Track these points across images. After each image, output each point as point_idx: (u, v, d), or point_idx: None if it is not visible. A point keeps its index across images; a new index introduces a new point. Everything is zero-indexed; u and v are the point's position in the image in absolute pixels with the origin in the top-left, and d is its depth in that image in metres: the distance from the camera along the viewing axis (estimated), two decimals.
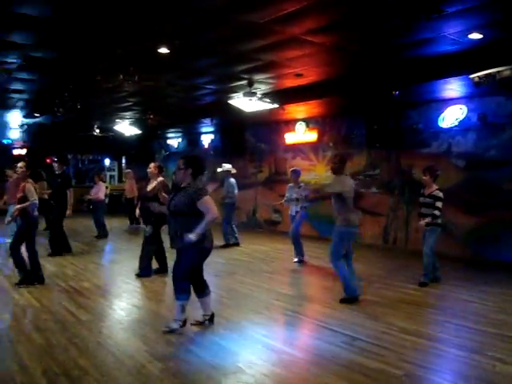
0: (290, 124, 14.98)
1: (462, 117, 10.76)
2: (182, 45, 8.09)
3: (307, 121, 14.47)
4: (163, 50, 8.53)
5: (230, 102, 12.07)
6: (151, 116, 14.92)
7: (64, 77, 10.82)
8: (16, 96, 13.14)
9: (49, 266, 9.25)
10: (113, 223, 16.44)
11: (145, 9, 6.67)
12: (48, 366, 4.41)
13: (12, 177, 10.15)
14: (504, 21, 6.80)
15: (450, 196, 10.64)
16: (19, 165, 7.68)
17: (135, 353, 4.85)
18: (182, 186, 5.44)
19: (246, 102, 11.39)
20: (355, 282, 7.07)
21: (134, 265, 8.68)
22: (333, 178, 7.34)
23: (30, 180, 7.61)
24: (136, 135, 19.06)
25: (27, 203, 7.32)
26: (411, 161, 11.70)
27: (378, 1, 6.29)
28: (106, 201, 18.49)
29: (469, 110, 10.63)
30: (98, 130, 18.47)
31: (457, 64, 8.41)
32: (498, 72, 7.74)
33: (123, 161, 24.55)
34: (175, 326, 5.45)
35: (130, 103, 14.19)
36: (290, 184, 10.23)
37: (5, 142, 21.75)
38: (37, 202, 7.45)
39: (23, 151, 23.10)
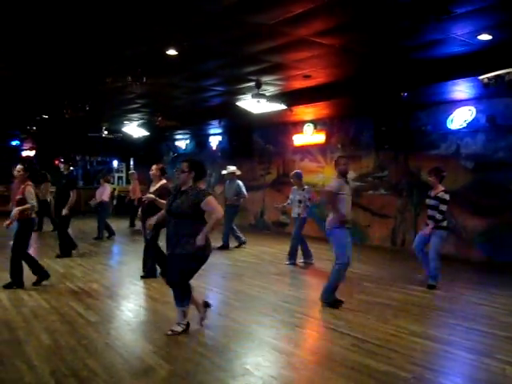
0: (298, 126, 14.97)
1: (470, 118, 10.71)
2: (190, 46, 8.11)
3: (315, 122, 14.45)
4: (171, 52, 8.55)
5: (237, 103, 12.08)
6: (160, 118, 14.94)
7: (73, 78, 10.87)
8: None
9: (57, 267, 9.29)
10: (120, 224, 16.50)
11: (153, 11, 6.69)
12: (57, 367, 4.42)
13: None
14: None
15: (459, 198, 10.63)
16: (17, 168, 7.56)
17: (143, 354, 4.85)
18: (183, 188, 5.42)
19: (253, 104, 11.39)
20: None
21: (141, 266, 8.69)
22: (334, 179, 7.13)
23: (30, 182, 7.57)
24: (144, 137, 19.13)
25: (25, 206, 7.28)
26: (419, 162, 11.66)
27: (386, 2, 6.27)
28: (114, 202, 18.62)
29: (477, 112, 10.58)
30: (106, 132, 18.53)
31: (466, 65, 8.38)
32: (508, 73, 7.70)
33: (131, 162, 24.62)
34: (179, 329, 5.44)
35: (138, 105, 14.23)
36: (294, 187, 10.19)
37: (13, 143, 21.90)
38: (35, 205, 7.41)
39: (32, 153, 23.25)
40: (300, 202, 9.85)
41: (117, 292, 7.71)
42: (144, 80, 10.23)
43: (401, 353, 4.99)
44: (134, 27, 7.43)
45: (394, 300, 7.24)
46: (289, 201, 10.25)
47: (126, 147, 22.40)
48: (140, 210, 8.86)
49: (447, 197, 7.85)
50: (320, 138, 14.41)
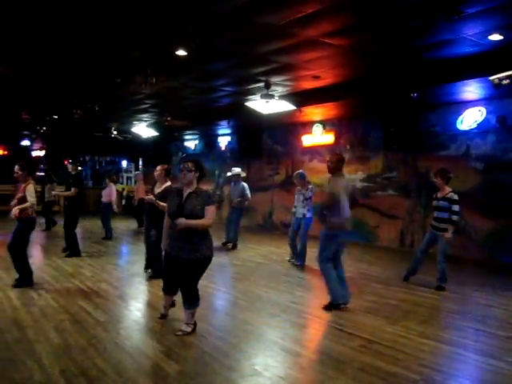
0: (307, 126, 14.96)
1: (480, 119, 10.67)
2: (199, 47, 8.12)
3: (324, 123, 14.45)
4: (181, 53, 8.57)
5: (247, 104, 12.09)
6: (169, 118, 14.97)
7: (83, 79, 10.92)
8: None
9: (66, 266, 9.33)
10: (129, 224, 16.57)
11: (163, 11, 6.72)
12: (66, 366, 4.44)
13: None
14: None
15: (469, 199, 10.58)
16: (15, 168, 7.48)
17: (152, 354, 4.86)
18: (190, 190, 5.35)
19: (263, 104, 11.40)
20: (343, 288, 6.69)
21: (145, 266, 8.74)
22: (329, 178, 6.96)
23: (32, 181, 7.55)
24: (153, 137, 19.19)
25: (25, 204, 7.25)
26: (428, 163, 11.61)
27: (396, 2, 6.25)
28: (123, 202, 18.67)
29: (487, 112, 10.54)
30: (115, 132, 18.60)
31: (476, 65, 8.34)
32: None
33: (140, 162, 24.69)
34: (188, 329, 5.44)
35: (148, 105, 14.29)
36: (298, 187, 10.18)
37: (24, 143, 22.03)
38: (35, 203, 7.38)
39: (42, 153, 23.39)
40: (304, 202, 9.84)
41: (126, 292, 7.73)
42: (153, 80, 10.26)
43: (409, 354, 4.97)
44: (143, 28, 7.47)
45: (402, 301, 7.22)
46: (294, 204, 10.24)
47: (134, 147, 22.48)
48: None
49: (457, 197, 7.79)
50: (329, 138, 14.40)
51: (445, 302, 7.26)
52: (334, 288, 6.58)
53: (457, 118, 11.14)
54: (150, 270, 8.51)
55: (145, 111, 15.42)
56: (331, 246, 6.60)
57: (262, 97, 11.12)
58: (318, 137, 14.71)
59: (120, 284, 8.16)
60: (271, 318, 6.23)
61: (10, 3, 6.56)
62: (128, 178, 24.45)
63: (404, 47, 8.19)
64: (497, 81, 7.94)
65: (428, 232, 8.31)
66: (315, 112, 13.16)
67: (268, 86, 10.86)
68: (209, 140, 20.09)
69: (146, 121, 17.47)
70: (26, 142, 22.07)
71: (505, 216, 10.24)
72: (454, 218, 7.70)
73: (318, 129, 14.66)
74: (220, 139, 19.35)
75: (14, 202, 7.41)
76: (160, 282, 8.04)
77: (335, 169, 6.75)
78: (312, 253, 9.83)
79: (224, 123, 16.07)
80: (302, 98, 11.90)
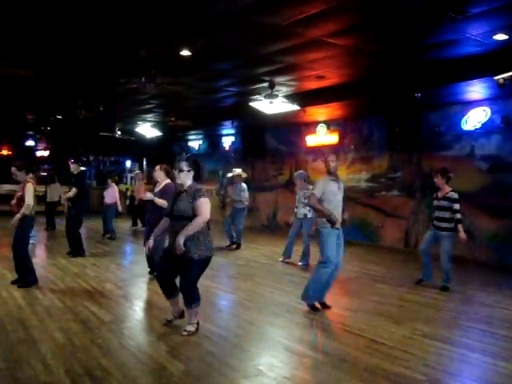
0: (311, 126, 14.95)
1: (485, 119, 10.63)
2: (203, 47, 8.12)
3: (328, 123, 14.43)
4: (185, 53, 8.57)
5: (251, 104, 12.09)
6: (173, 118, 14.98)
7: (87, 79, 10.94)
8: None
9: (70, 266, 9.34)
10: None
11: (167, 12, 6.72)
12: (71, 366, 4.44)
13: None
14: None
15: (473, 199, 10.57)
16: (12, 170, 7.46)
17: (156, 354, 4.86)
18: (183, 189, 5.34)
19: (267, 104, 11.39)
20: (327, 288, 6.62)
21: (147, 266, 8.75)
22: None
23: (32, 180, 7.55)
24: (157, 137, 19.20)
25: (24, 209, 7.21)
26: (433, 164, 11.56)
27: (401, 3, 6.24)
28: (127, 202, 18.69)
29: (492, 112, 10.50)
30: (119, 132, 18.62)
31: (481, 65, 8.32)
32: None
33: (144, 163, 24.73)
34: (192, 329, 5.42)
35: (152, 105, 14.30)
36: (299, 187, 10.18)
37: (28, 143, 22.08)
38: (31, 204, 7.32)
39: (46, 153, 23.45)
40: (304, 202, 9.83)
41: (130, 292, 7.74)
42: (158, 81, 10.27)
43: (415, 355, 4.96)
44: (148, 28, 7.47)
45: (407, 301, 7.21)
46: (295, 209, 10.24)
47: (139, 147, 22.50)
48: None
49: (457, 196, 7.75)
50: (333, 138, 14.39)
51: (450, 303, 7.24)
52: (317, 290, 6.50)
53: (461, 118, 11.11)
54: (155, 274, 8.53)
55: (149, 111, 15.43)
56: (330, 243, 6.40)
57: (266, 97, 11.11)
58: (322, 137, 14.70)
59: (124, 284, 8.17)
60: (275, 318, 6.23)
61: (17, 4, 6.57)
62: (132, 178, 24.50)
63: (408, 47, 8.18)
64: (502, 81, 7.92)
65: (429, 232, 8.20)
66: (319, 112, 13.15)
67: (272, 86, 10.85)
68: (213, 140, 20.09)
69: (150, 121, 17.48)
70: (30, 143, 22.12)
71: (510, 216, 10.20)
72: (458, 216, 7.68)
73: (322, 129, 14.64)
74: (224, 139, 19.36)
75: (14, 201, 7.43)
76: None
77: (334, 168, 6.62)
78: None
79: (228, 123, 16.07)
80: (306, 98, 11.89)
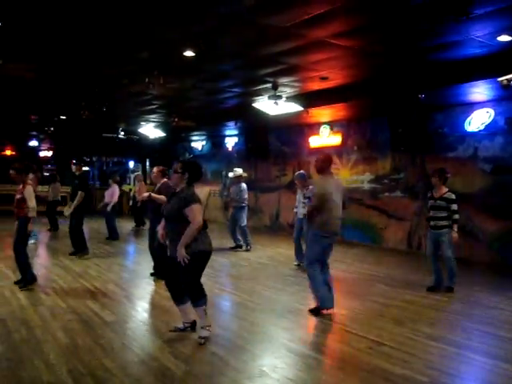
0: (314, 127, 14.94)
1: (488, 120, 10.62)
2: (207, 48, 8.11)
3: (331, 124, 14.42)
4: (189, 54, 8.58)
5: (254, 105, 12.09)
6: (176, 119, 14.99)
7: (90, 80, 10.96)
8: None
9: (73, 266, 9.36)
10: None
11: (171, 12, 6.72)
12: (74, 366, 4.45)
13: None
14: None
15: (477, 200, 10.57)
16: (11, 173, 7.44)
17: (159, 354, 4.86)
18: (176, 191, 5.28)
19: (270, 105, 11.39)
20: (329, 293, 6.48)
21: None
22: (317, 178, 6.78)
23: (31, 182, 7.57)
24: (160, 138, 19.21)
25: (31, 214, 7.23)
26: (436, 165, 11.48)
27: (405, 4, 6.23)
28: (130, 203, 18.71)
29: (496, 114, 10.49)
30: (122, 133, 18.64)
31: (485, 67, 8.31)
32: None
33: (147, 163, 24.76)
34: (207, 333, 5.25)
35: (155, 106, 14.31)
36: (299, 187, 10.18)
37: (31, 144, 22.10)
38: (34, 207, 7.34)
39: (49, 153, 23.48)
40: (304, 202, 9.82)
41: (133, 292, 7.75)
42: (161, 81, 10.28)
43: (417, 356, 4.95)
44: (151, 29, 7.47)
45: (410, 303, 7.20)
46: (295, 209, 10.23)
47: (142, 148, 22.52)
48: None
49: (454, 196, 7.72)
50: (336, 139, 14.38)
51: (452, 304, 7.23)
52: (321, 291, 6.41)
53: (465, 120, 11.09)
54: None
55: (152, 112, 15.44)
56: (316, 248, 6.42)
57: (269, 98, 11.11)
58: (325, 138, 14.69)
59: (127, 284, 8.18)
60: (278, 319, 6.23)
61: (20, 5, 6.58)
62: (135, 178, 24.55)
63: (412, 48, 8.16)
64: (505, 82, 7.91)
65: (428, 235, 8.12)
66: (323, 113, 13.14)
67: (275, 87, 10.85)
68: (216, 141, 20.10)
69: (153, 121, 17.50)
70: (33, 143, 22.13)
71: None
72: (456, 216, 7.65)
73: (325, 130, 14.64)
74: (227, 140, 19.37)
75: (15, 203, 7.44)
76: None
77: (322, 168, 6.54)
78: None
79: (231, 124, 16.07)
80: (309, 99, 11.89)
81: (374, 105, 11.91)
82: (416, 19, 6.77)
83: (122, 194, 19.47)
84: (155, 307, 6.85)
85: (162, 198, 7.70)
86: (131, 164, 25.63)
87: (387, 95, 10.72)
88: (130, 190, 20.01)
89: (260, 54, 8.66)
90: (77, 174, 10.74)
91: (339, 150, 14.30)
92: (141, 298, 7.47)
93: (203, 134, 20.09)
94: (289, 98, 11.58)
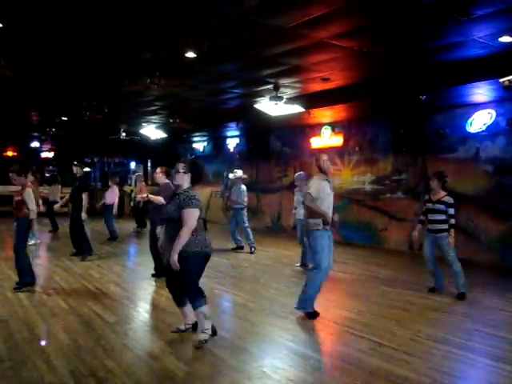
0: (316, 128, 14.93)
1: (490, 121, 10.61)
2: (208, 49, 8.12)
3: (333, 125, 14.42)
4: (190, 55, 8.58)
5: (255, 106, 12.09)
6: (177, 120, 15.00)
7: (92, 81, 10.97)
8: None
9: (75, 267, 9.37)
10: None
11: (172, 13, 6.73)
12: (75, 367, 4.45)
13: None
14: None
15: (478, 202, 10.57)
16: (11, 176, 7.41)
17: (161, 355, 4.86)
18: (178, 191, 5.25)
19: (271, 106, 11.39)
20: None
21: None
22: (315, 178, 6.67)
23: (30, 183, 7.56)
24: (162, 139, 19.21)
25: (32, 216, 7.25)
26: (438, 166, 11.51)
27: (406, 5, 6.24)
28: (132, 203, 18.71)
29: (497, 115, 10.48)
30: (124, 134, 18.65)
31: (486, 68, 8.30)
32: None
33: (149, 164, 24.77)
34: (206, 336, 5.22)
35: (157, 107, 14.31)
36: (297, 188, 10.17)
37: (33, 145, 22.12)
38: (35, 210, 7.35)
39: (51, 154, 23.50)
40: (304, 203, 9.78)
41: (134, 293, 7.76)
42: (162, 82, 10.29)
43: (419, 357, 4.95)
44: (152, 30, 7.48)
45: (411, 304, 7.19)
46: (294, 205, 10.21)
47: (143, 149, 22.54)
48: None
49: (453, 200, 7.70)
50: (338, 140, 14.37)
51: (454, 305, 7.21)
52: (314, 297, 6.40)
53: (466, 121, 11.09)
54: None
55: (154, 113, 15.45)
56: (326, 249, 6.33)
57: (270, 99, 11.11)
58: (326, 139, 14.68)
59: (128, 285, 8.19)
60: (279, 319, 6.23)
61: (21, 5, 6.59)
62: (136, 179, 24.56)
63: (414, 49, 8.16)
64: (507, 83, 7.90)
65: (426, 237, 8.05)
66: (324, 114, 13.14)
67: (277, 88, 10.86)
68: (217, 142, 20.10)
69: (154, 122, 17.51)
70: (35, 144, 22.17)
71: None
72: (452, 221, 7.61)
73: (326, 131, 14.63)
74: (229, 141, 19.37)
75: (14, 205, 7.44)
76: None
77: (322, 168, 6.56)
78: None
79: (233, 125, 16.08)
80: (310, 100, 11.89)
81: (376, 106, 11.91)
82: (417, 20, 6.77)
83: (123, 194, 19.51)
84: (156, 308, 6.85)
85: (160, 199, 7.76)
86: (133, 165, 25.65)
87: (388, 96, 10.72)
88: (132, 190, 20.02)
89: (261, 55, 8.67)
90: (78, 175, 10.74)
91: (341, 151, 14.30)
92: (142, 299, 7.47)
93: (204, 135, 20.09)
94: (290, 99, 11.58)
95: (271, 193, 16.93)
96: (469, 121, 11.03)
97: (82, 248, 10.44)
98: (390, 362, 4.78)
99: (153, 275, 8.52)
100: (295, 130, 15.75)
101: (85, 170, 11.73)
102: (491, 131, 10.62)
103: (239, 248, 12.11)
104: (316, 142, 15.06)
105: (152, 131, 18.52)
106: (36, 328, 5.62)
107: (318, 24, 6.91)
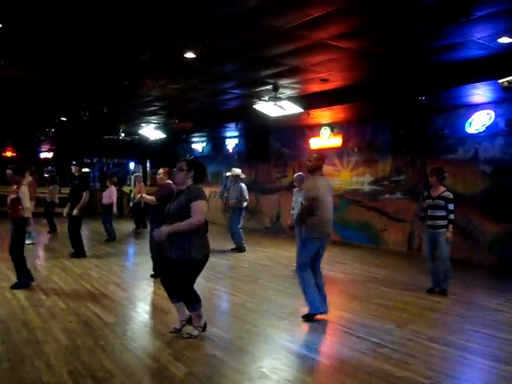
0: (315, 129, 14.93)
1: (489, 122, 10.62)
2: (208, 50, 8.12)
3: (332, 126, 14.42)
4: (189, 55, 8.59)
5: (255, 106, 12.09)
6: (176, 120, 15.00)
7: (91, 81, 10.96)
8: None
9: (74, 268, 9.36)
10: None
11: (172, 14, 6.73)
12: (74, 367, 4.44)
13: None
14: None
15: (477, 202, 10.57)
16: (8, 173, 7.44)
17: (160, 356, 4.86)
18: (182, 188, 5.23)
19: (270, 107, 11.39)
20: (321, 297, 6.32)
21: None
22: (307, 178, 6.68)
23: (25, 182, 7.55)
24: (161, 139, 19.21)
25: (27, 214, 7.26)
26: (437, 167, 11.53)
27: (405, 6, 6.24)
28: (131, 204, 18.70)
29: (496, 116, 10.49)
30: (123, 134, 18.64)
31: (485, 69, 8.31)
32: None
33: (148, 164, 24.75)
34: (196, 332, 5.34)
35: (156, 107, 14.32)
36: (295, 189, 10.17)
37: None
38: (30, 207, 7.35)
39: (50, 155, 23.48)
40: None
41: (133, 293, 7.75)
42: (162, 83, 10.29)
43: (418, 358, 4.94)
44: (152, 30, 7.48)
45: (410, 305, 7.19)
46: (292, 205, 10.22)
47: (142, 149, 22.53)
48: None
49: (452, 196, 7.72)
50: (337, 141, 14.37)
51: (453, 306, 7.21)
52: (312, 297, 6.27)
53: (465, 122, 11.09)
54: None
55: (153, 113, 15.45)
56: (308, 250, 6.30)
57: (270, 99, 11.12)
58: (325, 140, 14.68)
59: (127, 286, 8.18)
60: (279, 320, 6.22)
61: (22, 6, 6.59)
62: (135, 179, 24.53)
63: (413, 50, 8.17)
64: (506, 84, 7.91)
65: (425, 234, 8.08)
66: (323, 115, 13.14)
67: (276, 88, 10.86)
68: (216, 142, 20.11)
69: (153, 123, 17.50)
70: (34, 144, 22.14)
71: None
72: (452, 216, 7.63)
73: (325, 132, 14.63)
74: (228, 141, 19.37)
75: (8, 204, 7.44)
76: None
77: (313, 168, 6.43)
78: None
79: (232, 126, 16.08)
80: (310, 101, 11.89)
81: (375, 107, 11.92)
82: (417, 21, 6.78)
83: (122, 195, 19.49)
84: (155, 308, 6.84)
85: (152, 198, 7.89)
86: (132, 165, 25.63)
87: (388, 97, 10.73)
88: (131, 191, 20.01)
89: (261, 56, 8.67)
90: (76, 175, 10.74)
91: (340, 152, 14.31)
92: (141, 300, 7.47)
93: (204, 136, 20.10)
94: (289, 100, 11.58)
95: (270, 193, 16.93)
96: (468, 122, 11.04)
97: (78, 249, 10.44)
98: (389, 363, 4.78)
99: (152, 276, 8.52)
100: (294, 131, 15.76)
101: (84, 170, 11.71)
102: (490, 132, 10.63)
103: (239, 248, 12.11)
104: (315, 143, 15.06)
105: (151, 132, 18.52)
106: (35, 328, 5.61)
107: (317, 25, 6.91)
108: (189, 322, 5.49)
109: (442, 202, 7.69)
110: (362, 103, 11.52)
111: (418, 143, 12.00)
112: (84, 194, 10.23)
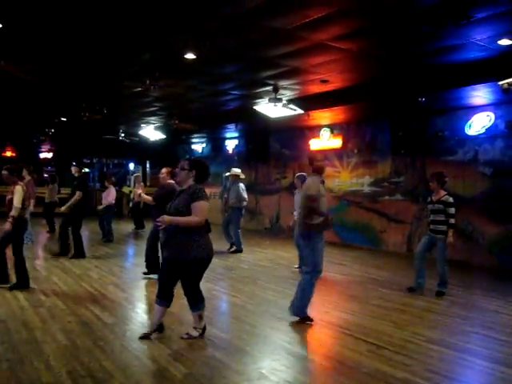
0: (315, 130, 14.93)
1: (489, 124, 10.62)
2: (208, 50, 8.12)
3: (332, 127, 14.42)
4: (189, 56, 8.59)
5: (254, 107, 12.09)
6: (176, 121, 15.00)
7: (91, 81, 10.97)
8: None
9: (73, 268, 9.35)
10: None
11: (172, 14, 6.73)
12: (73, 368, 4.44)
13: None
14: None
15: (477, 204, 10.57)
16: (3, 174, 7.48)
17: (159, 357, 4.86)
18: (184, 187, 5.22)
19: (270, 108, 11.39)
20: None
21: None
22: (310, 177, 6.70)
23: (21, 182, 7.54)
24: (160, 140, 19.20)
25: (12, 212, 7.23)
26: (436, 168, 11.46)
27: (405, 7, 6.25)
28: (130, 204, 18.70)
29: (496, 117, 10.49)
30: (123, 135, 18.63)
31: (485, 70, 8.31)
32: None
33: (147, 165, 24.74)
34: (195, 333, 5.36)
35: (156, 108, 14.31)
36: (296, 189, 10.16)
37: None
38: (19, 206, 7.30)
39: (49, 155, 23.47)
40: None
41: (132, 294, 7.76)
42: (162, 83, 10.29)
43: (417, 359, 4.95)
44: (152, 31, 7.48)
45: (409, 306, 7.19)
46: (295, 212, 10.21)
47: (142, 150, 22.53)
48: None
49: (452, 199, 7.73)
50: (336, 142, 14.37)
51: (452, 308, 7.22)
52: (307, 302, 6.25)
53: (465, 123, 11.09)
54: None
55: (153, 114, 15.45)
56: (317, 255, 6.23)
57: (270, 100, 11.12)
58: (325, 141, 14.68)
59: (127, 286, 8.18)
60: (278, 321, 6.22)
61: (21, 6, 6.59)
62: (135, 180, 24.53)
63: (413, 52, 8.18)
64: (506, 85, 7.91)
65: (425, 236, 8.11)
66: (323, 116, 13.14)
67: (276, 89, 10.86)
68: (216, 143, 20.10)
69: (153, 123, 17.50)
70: (34, 144, 22.11)
71: None
72: (452, 220, 7.65)
73: (325, 133, 14.63)
74: (227, 142, 19.36)
75: (6, 204, 7.45)
76: None
77: (321, 169, 6.57)
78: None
79: (232, 126, 16.08)
80: (310, 102, 11.89)
81: (375, 108, 11.92)
82: (416, 23, 6.78)
83: (122, 195, 19.47)
84: (155, 309, 6.82)
85: (149, 198, 8.03)
86: (131, 166, 25.63)
87: (387, 98, 10.72)
88: (130, 191, 20.00)
89: (261, 57, 8.67)
90: (76, 175, 10.74)
91: (339, 153, 14.31)
92: (140, 300, 7.47)
93: (203, 137, 20.09)
94: (289, 101, 11.58)
95: (270, 194, 16.93)
96: (468, 123, 11.04)
97: (78, 250, 10.45)
98: (388, 364, 4.78)
99: (144, 273, 8.55)
100: (294, 132, 15.75)
101: (83, 170, 11.70)
102: (490, 134, 10.63)
103: (232, 246, 12.15)
104: (315, 144, 15.06)
105: (151, 132, 18.50)
106: (34, 328, 5.61)
107: (317, 26, 6.91)
108: (160, 330, 5.47)
109: (441, 206, 7.72)
110: (361, 104, 11.52)
111: (417, 145, 11.99)
112: (77, 193, 10.22)
